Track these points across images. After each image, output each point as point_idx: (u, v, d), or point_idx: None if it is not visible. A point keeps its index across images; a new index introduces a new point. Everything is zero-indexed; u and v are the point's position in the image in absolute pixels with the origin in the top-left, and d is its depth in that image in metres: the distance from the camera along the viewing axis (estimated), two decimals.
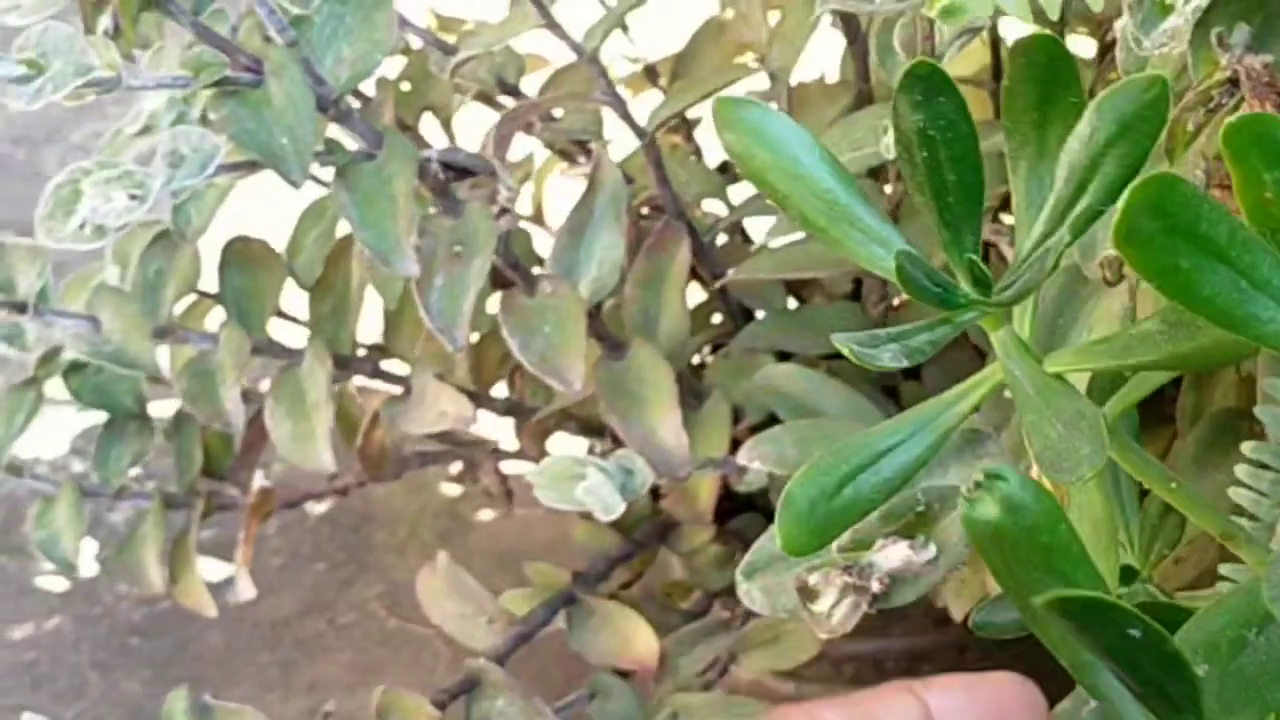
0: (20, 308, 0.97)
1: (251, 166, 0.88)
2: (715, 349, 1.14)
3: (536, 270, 0.97)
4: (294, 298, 1.08)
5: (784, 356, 1.04)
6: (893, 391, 1.05)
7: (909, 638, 1.15)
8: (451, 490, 1.57)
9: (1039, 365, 0.53)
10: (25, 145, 2.18)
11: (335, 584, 1.51)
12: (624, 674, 1.03)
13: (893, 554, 0.69)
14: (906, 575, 0.69)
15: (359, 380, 1.07)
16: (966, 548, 0.70)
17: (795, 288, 1.13)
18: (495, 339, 1.08)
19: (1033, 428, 0.51)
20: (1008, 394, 0.55)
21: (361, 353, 1.09)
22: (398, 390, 1.07)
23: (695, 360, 1.13)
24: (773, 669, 1.02)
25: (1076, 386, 0.53)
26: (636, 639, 1.02)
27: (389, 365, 1.09)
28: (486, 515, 1.53)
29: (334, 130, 0.91)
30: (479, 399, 1.04)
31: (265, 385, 1.06)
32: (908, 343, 0.55)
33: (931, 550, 0.69)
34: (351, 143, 0.90)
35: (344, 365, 1.04)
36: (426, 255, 0.91)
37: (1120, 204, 0.41)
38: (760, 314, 1.10)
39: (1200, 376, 0.91)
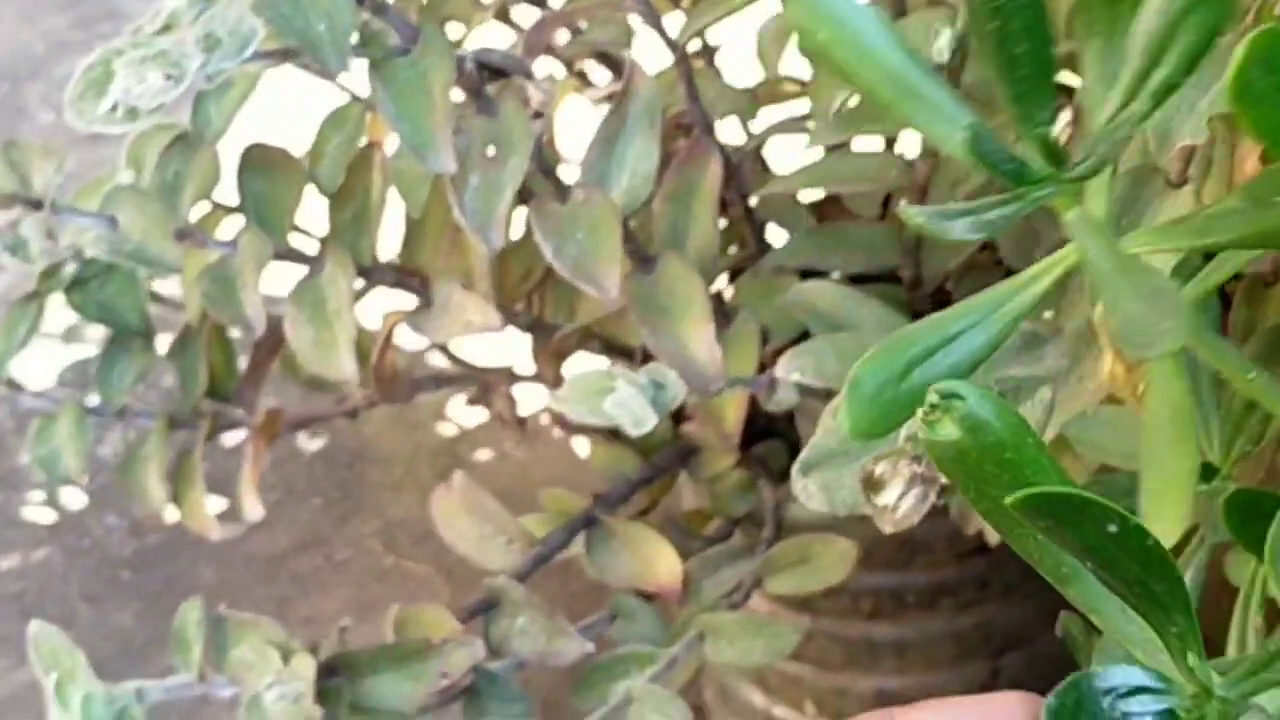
0: (36, 204, 0.94)
1: (285, 55, 0.85)
2: (733, 278, 1.12)
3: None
4: (312, 211, 1.05)
5: (811, 279, 1.02)
6: (920, 318, 1.03)
7: (930, 572, 1.13)
8: (448, 429, 1.55)
9: (1113, 242, 0.51)
10: (8, 81, 2.15)
11: (331, 520, 1.49)
12: (646, 597, 1.01)
13: None
14: None
15: (379, 292, 1.04)
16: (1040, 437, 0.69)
17: (820, 214, 1.11)
18: (517, 255, 1.06)
19: (1111, 305, 0.49)
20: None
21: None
22: (413, 305, 1.04)
23: (714, 289, 1.11)
24: (800, 591, 1.00)
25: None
26: (659, 561, 0.99)
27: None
28: (484, 455, 1.51)
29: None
30: (501, 316, 1.02)
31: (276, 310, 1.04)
32: (981, 216, 0.53)
33: None
34: (387, 36, 0.87)
35: (365, 275, 1.01)
36: (461, 154, 0.88)
37: (1233, 59, 0.40)
38: (784, 239, 1.08)
39: (1254, 291, 0.89)
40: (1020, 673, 1.19)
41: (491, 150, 0.89)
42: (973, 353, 0.53)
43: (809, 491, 0.72)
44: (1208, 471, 0.66)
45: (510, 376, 1.14)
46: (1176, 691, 0.39)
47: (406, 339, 1.25)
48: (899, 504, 0.66)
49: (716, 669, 1.30)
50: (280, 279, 1.01)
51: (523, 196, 0.96)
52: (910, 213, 0.49)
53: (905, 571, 1.13)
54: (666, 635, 0.98)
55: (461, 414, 1.55)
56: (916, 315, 1.03)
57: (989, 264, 1.06)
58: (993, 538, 0.97)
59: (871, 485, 0.66)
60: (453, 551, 1.07)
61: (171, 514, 1.16)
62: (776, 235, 1.10)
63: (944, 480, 0.65)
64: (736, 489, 1.06)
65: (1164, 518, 0.48)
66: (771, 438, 1.09)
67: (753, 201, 1.08)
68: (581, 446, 1.33)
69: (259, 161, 1.02)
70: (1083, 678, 0.39)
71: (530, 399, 1.24)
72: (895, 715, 0.42)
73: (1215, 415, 0.66)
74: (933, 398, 0.40)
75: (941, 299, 1.04)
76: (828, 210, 1.12)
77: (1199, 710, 0.39)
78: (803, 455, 0.72)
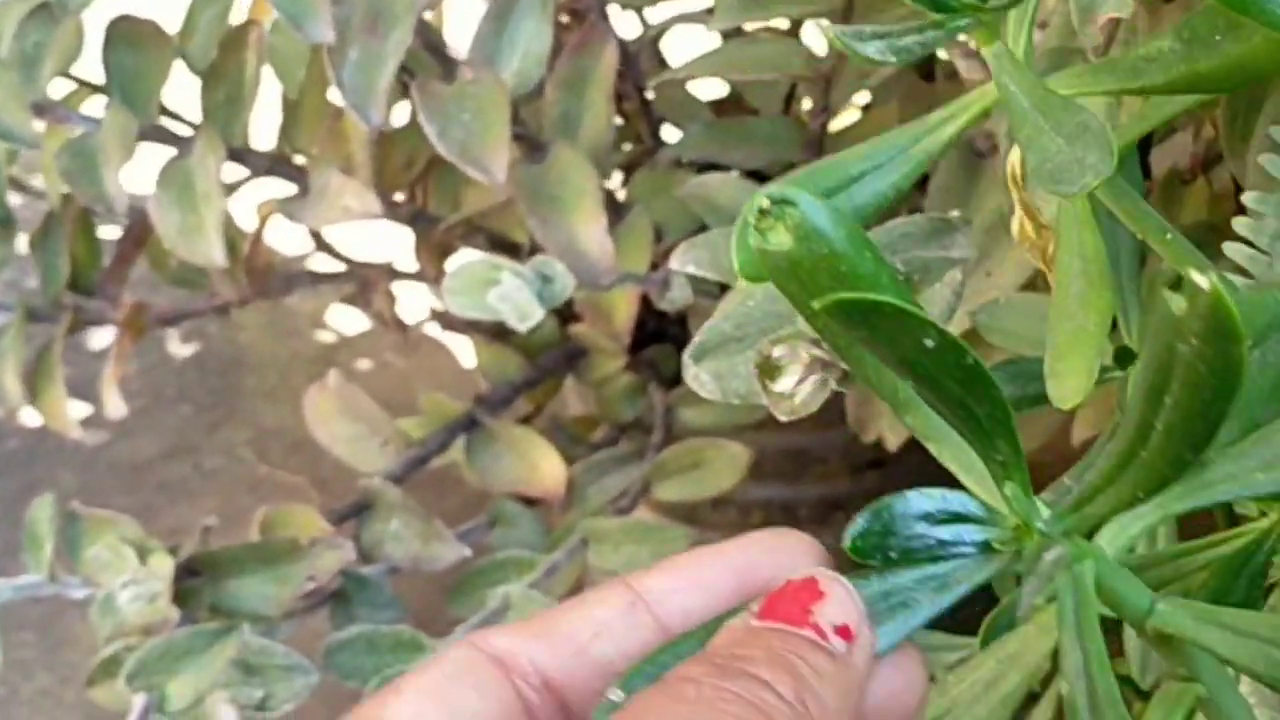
0: None
1: None
2: (629, 175, 1.08)
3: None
4: (183, 94, 0.99)
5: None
6: None
7: (823, 485, 1.10)
8: (326, 336, 1.49)
9: (1036, 78, 0.47)
10: None
11: (201, 428, 1.43)
12: (528, 503, 0.96)
13: None
14: None
15: (256, 186, 0.99)
16: (948, 323, 0.65)
17: (720, 111, 1.07)
18: (400, 140, 1.00)
19: (1030, 142, 0.45)
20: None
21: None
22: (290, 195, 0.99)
23: (608, 185, 1.07)
24: (690, 497, 0.96)
25: None
26: (542, 466, 0.95)
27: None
28: (364, 363, 1.46)
29: None
30: (381, 205, 0.96)
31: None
32: (896, 41, 0.49)
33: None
34: None
35: (238, 159, 0.95)
36: (340, 25, 0.83)
37: None
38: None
39: (1170, 189, 0.86)
40: None
41: (375, 21, 0.84)
42: (877, 195, 0.49)
43: (700, 380, 0.68)
44: (1127, 355, 0.63)
45: (390, 273, 1.09)
46: (997, 522, 0.36)
47: (286, 242, 1.20)
48: (796, 390, 0.62)
49: (599, 579, 1.26)
50: (149, 170, 0.95)
51: (408, 77, 0.91)
52: (826, 27, 0.45)
53: (797, 484, 1.09)
54: (548, 542, 0.94)
55: (341, 320, 1.50)
56: None
57: None
58: (894, 442, 0.94)
59: (767, 371, 0.62)
60: (328, 461, 1.02)
61: (31, 418, 1.10)
62: (674, 135, 1.05)
63: (845, 366, 0.61)
64: (625, 393, 1.02)
65: (1070, 373, 0.45)
66: (662, 341, 1.05)
67: (650, 95, 1.04)
68: (466, 355, 1.28)
69: (126, 35, 0.96)
70: (894, 500, 0.36)
71: (412, 301, 1.19)
72: (631, 581, 0.38)
73: (1135, 301, 0.62)
74: (763, 203, 0.37)
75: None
76: (728, 108, 1.07)
77: (1017, 544, 0.36)
78: (695, 341, 0.68)
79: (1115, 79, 0.47)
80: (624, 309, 0.95)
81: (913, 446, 1.09)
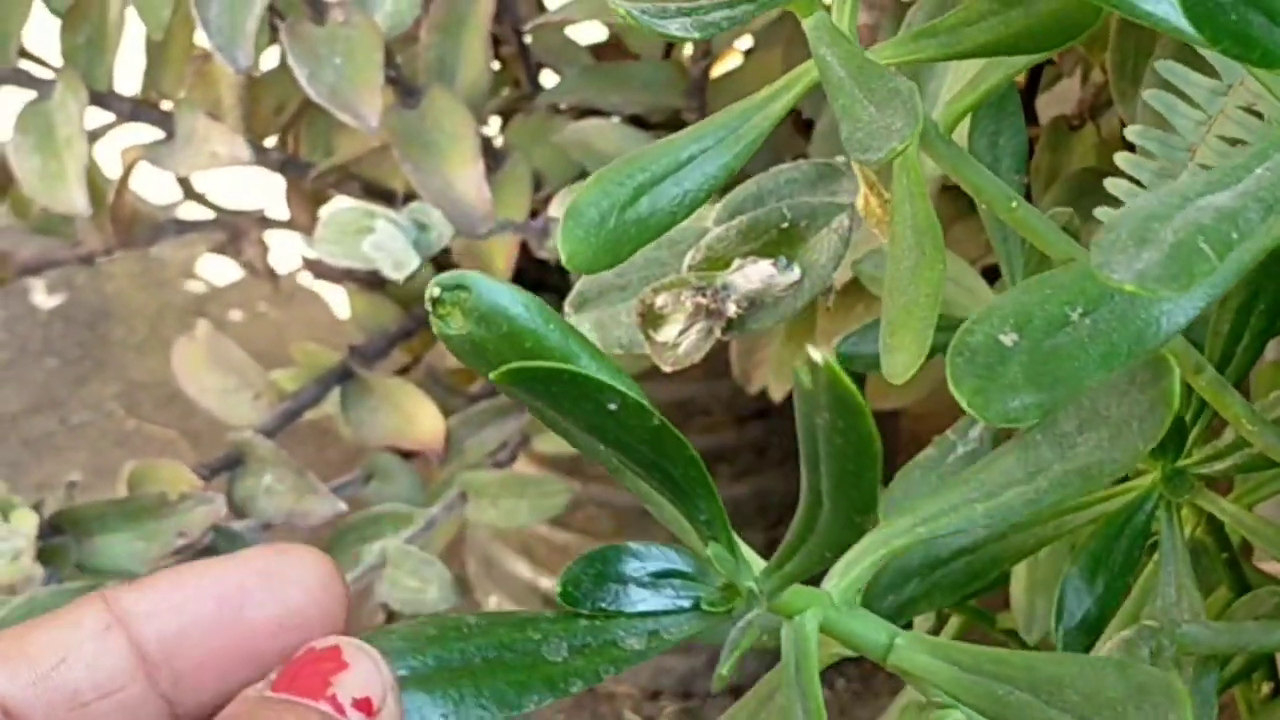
0: None
1: None
2: (505, 121, 1.05)
3: None
4: (44, 34, 0.95)
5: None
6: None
7: (707, 436, 1.08)
8: (198, 287, 1.46)
9: (854, 48, 0.46)
10: None
11: (68, 381, 1.39)
12: (405, 456, 0.94)
13: (752, 274, 0.61)
14: (766, 299, 0.61)
15: (114, 122, 0.95)
16: (835, 271, 0.64)
17: (599, 56, 1.05)
18: (270, 85, 0.97)
19: (845, 112, 0.44)
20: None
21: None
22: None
23: (486, 132, 1.04)
24: (567, 451, 0.94)
25: None
26: (419, 418, 0.93)
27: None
28: (237, 314, 1.43)
29: None
30: (251, 151, 0.93)
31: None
32: (704, 17, 0.47)
33: (796, 272, 0.62)
34: None
35: (101, 103, 0.92)
36: None
37: None
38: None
39: (1057, 136, 0.86)
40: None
41: None
42: (708, 178, 0.47)
43: (582, 329, 0.66)
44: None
45: (262, 222, 1.06)
46: (709, 581, 0.36)
47: (155, 191, 1.17)
48: (680, 340, 0.60)
49: (480, 539, 1.24)
50: (7, 115, 0.92)
51: (278, 19, 0.89)
52: (617, 3, 0.43)
53: (682, 434, 1.08)
54: (426, 496, 0.92)
55: (213, 270, 1.46)
56: None
57: (793, 122, 1.01)
58: (778, 393, 0.93)
59: (650, 320, 0.60)
60: (200, 415, 0.99)
61: None
62: (554, 80, 1.03)
63: (731, 314, 0.60)
64: None
65: (903, 348, 0.44)
66: (543, 290, 1.02)
67: (528, 39, 1.02)
68: (342, 306, 1.26)
69: None
70: (609, 551, 0.36)
71: (285, 251, 1.17)
72: (110, 599, 0.36)
73: (1021, 269, 0.62)
74: (434, 290, 0.37)
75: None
76: (608, 53, 1.06)
77: (726, 604, 0.36)
78: (575, 289, 0.66)
79: (937, 45, 0.46)
80: (503, 258, 0.93)
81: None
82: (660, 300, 0.60)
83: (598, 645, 0.35)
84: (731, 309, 0.59)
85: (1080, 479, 0.39)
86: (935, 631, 0.72)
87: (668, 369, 0.61)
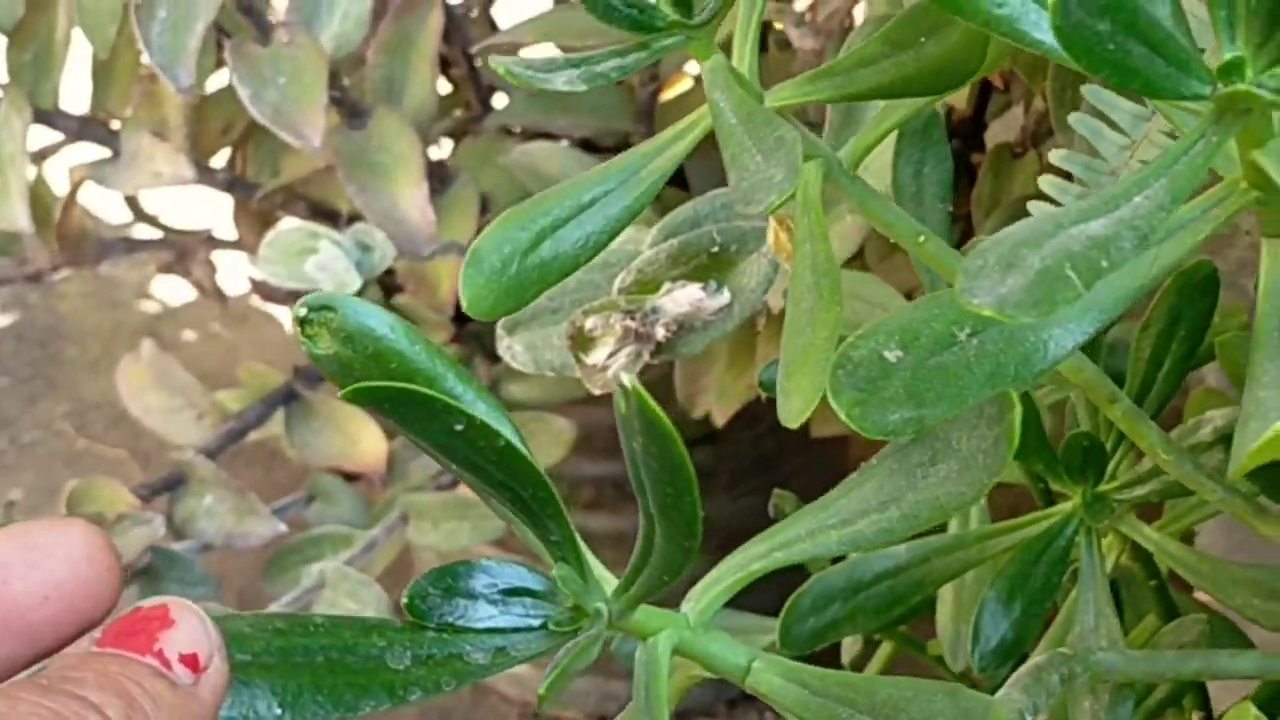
0: None
1: None
2: (457, 144, 1.05)
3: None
4: None
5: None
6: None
7: None
8: (151, 307, 1.45)
9: (746, 94, 0.46)
10: None
11: (19, 400, 1.39)
12: (349, 478, 0.94)
13: (681, 298, 0.61)
14: (695, 323, 0.61)
15: (63, 141, 0.95)
16: (764, 296, 0.64)
17: None
18: (217, 105, 0.97)
19: (733, 161, 0.45)
20: None
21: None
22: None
23: (436, 156, 1.04)
24: None
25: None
26: (363, 440, 0.93)
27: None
28: (190, 335, 1.42)
29: None
30: (197, 170, 0.93)
31: None
32: (593, 68, 0.48)
33: (725, 296, 0.62)
34: None
35: (47, 121, 0.92)
36: None
37: None
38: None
39: (1000, 163, 0.86)
40: None
41: None
42: (609, 221, 0.47)
43: (513, 351, 0.66)
44: None
45: (210, 242, 1.06)
46: (558, 601, 0.36)
47: (107, 211, 1.16)
48: (609, 363, 0.60)
49: (427, 562, 1.24)
50: None
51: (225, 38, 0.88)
52: (496, 63, 0.44)
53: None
54: (368, 517, 0.91)
55: (166, 291, 1.46)
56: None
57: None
58: (720, 417, 0.93)
59: (580, 342, 0.60)
60: (151, 435, 0.99)
61: None
62: (504, 101, 1.03)
63: (660, 337, 0.60)
64: None
65: (799, 391, 0.44)
66: None
67: (479, 63, 1.02)
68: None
69: None
70: (460, 566, 0.35)
71: (235, 272, 1.16)
72: None
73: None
74: (301, 311, 0.37)
75: (677, 181, 0.99)
76: None
77: (574, 624, 0.36)
78: None
79: (831, 87, 0.46)
80: (448, 280, 0.93)
81: (741, 424, 1.08)
82: (590, 323, 0.60)
83: (442, 657, 0.35)
84: (660, 332, 0.60)
85: (929, 510, 0.40)
86: (864, 658, 0.72)
87: (597, 391, 0.61)
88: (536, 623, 0.36)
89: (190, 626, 0.34)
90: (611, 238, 0.48)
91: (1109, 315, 0.37)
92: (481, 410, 0.34)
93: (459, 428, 0.33)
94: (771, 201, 0.40)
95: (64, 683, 0.32)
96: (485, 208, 0.95)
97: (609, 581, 0.37)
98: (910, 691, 0.36)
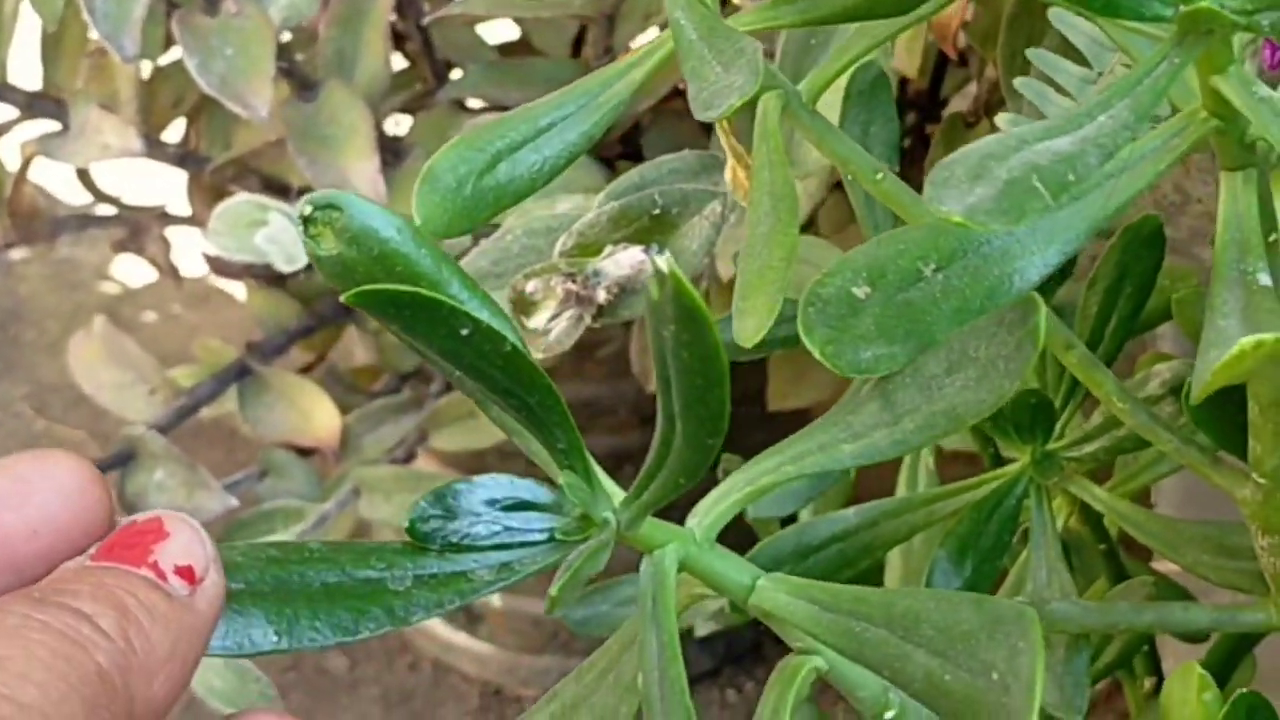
0: None
1: None
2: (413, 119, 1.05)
3: None
4: None
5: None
6: (610, 164, 0.97)
7: (613, 436, 1.08)
8: (111, 288, 1.45)
9: (707, 11, 0.46)
10: None
11: None
12: (303, 453, 0.93)
13: (623, 260, 0.60)
14: (637, 286, 0.61)
15: (18, 118, 0.94)
16: (706, 258, 0.64)
17: (506, 53, 1.04)
18: (168, 78, 0.97)
19: (694, 73, 0.44)
20: None
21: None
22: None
23: (393, 133, 1.04)
24: (467, 447, 0.93)
25: None
26: (316, 415, 0.92)
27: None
28: (150, 316, 1.41)
29: None
30: (148, 144, 0.93)
31: None
32: None
33: (667, 259, 0.61)
34: None
35: None
36: None
37: None
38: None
39: (953, 131, 0.86)
40: None
41: None
42: (568, 146, 0.47)
43: None
44: None
45: (163, 218, 1.05)
46: (565, 511, 0.35)
47: (62, 190, 1.15)
48: (551, 326, 0.60)
49: (379, 536, 1.23)
50: None
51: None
52: None
53: (586, 436, 1.07)
54: (321, 492, 0.91)
55: (126, 272, 1.45)
56: (604, 160, 0.98)
57: (682, 111, 1.01)
58: None
59: (522, 306, 0.60)
60: (110, 417, 0.98)
61: None
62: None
63: (601, 300, 0.59)
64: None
65: (754, 311, 0.43)
66: None
67: (433, 37, 1.01)
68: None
69: None
70: (460, 484, 0.35)
71: (191, 250, 1.16)
72: None
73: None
74: (306, 209, 0.36)
75: (631, 143, 0.99)
76: (516, 51, 1.05)
77: (582, 534, 0.35)
78: None
79: (795, 11, 0.46)
80: None
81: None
82: (531, 286, 0.60)
83: (445, 576, 0.35)
84: (602, 295, 0.59)
85: (946, 420, 0.39)
86: None
87: (539, 355, 0.60)
88: (542, 536, 0.35)
89: (185, 538, 0.33)
90: (568, 162, 0.48)
91: (1072, 246, 0.37)
92: (486, 316, 0.33)
93: (465, 332, 0.32)
94: (732, 104, 0.40)
95: (57, 595, 0.32)
96: None
97: (615, 494, 0.36)
98: (931, 602, 0.35)
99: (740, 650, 1.22)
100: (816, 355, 0.38)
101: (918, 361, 0.40)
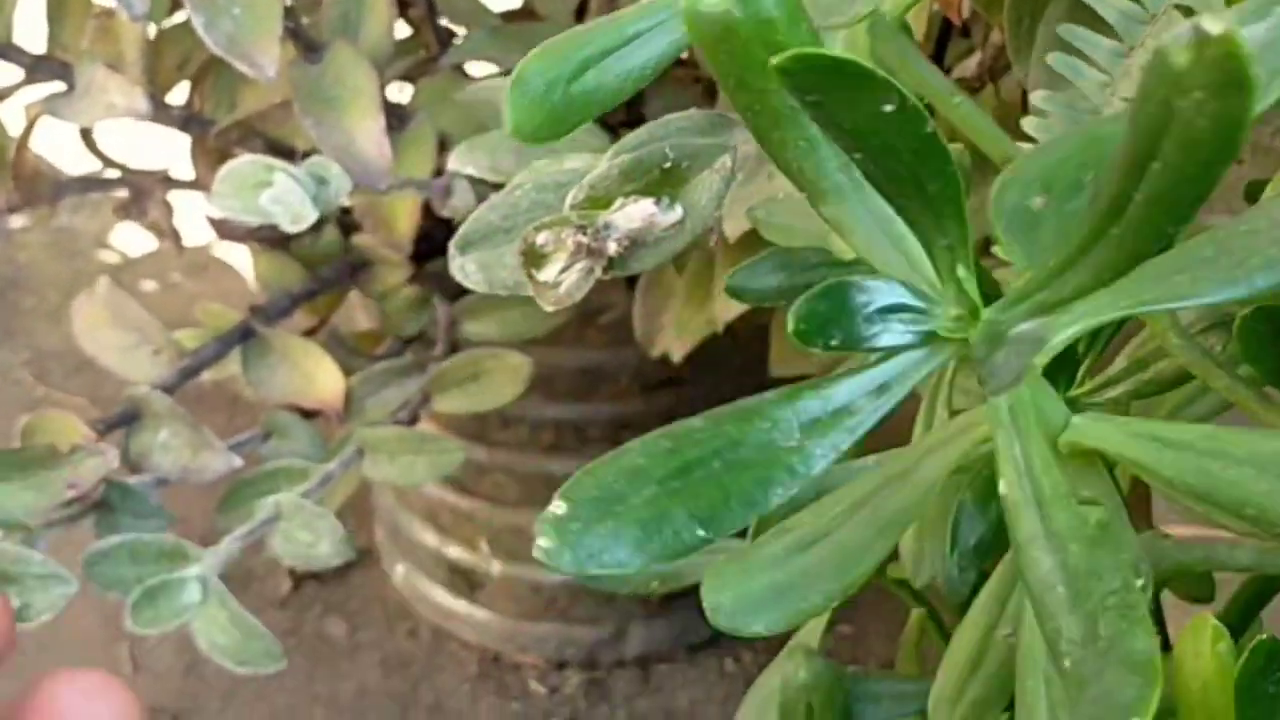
0: None
1: None
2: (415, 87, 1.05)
3: None
4: None
5: None
6: (614, 131, 0.97)
7: (614, 404, 1.08)
8: (111, 257, 1.45)
9: None
10: None
11: None
12: (306, 415, 0.94)
13: (634, 213, 0.61)
14: (647, 239, 0.61)
15: (21, 81, 0.94)
16: (716, 212, 0.64)
17: (509, 21, 1.05)
18: (174, 39, 0.97)
19: None
20: None
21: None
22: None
23: (395, 98, 1.04)
24: (471, 409, 0.94)
25: None
26: (320, 376, 0.93)
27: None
28: (150, 285, 1.41)
29: None
30: (153, 106, 0.92)
31: None
32: None
33: (678, 212, 0.61)
34: None
35: (1, 56, 0.91)
36: None
37: None
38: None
39: None
40: None
41: None
42: (655, 57, 0.48)
43: (466, 271, 0.66)
44: None
45: (166, 181, 1.05)
46: (939, 311, 0.34)
47: (65, 158, 1.15)
48: (561, 279, 0.60)
49: (387, 507, 1.24)
50: None
51: None
52: None
53: (587, 402, 1.08)
54: (324, 454, 0.91)
55: (126, 241, 1.45)
56: (606, 126, 0.98)
57: (685, 79, 1.01)
58: (678, 353, 0.93)
59: (532, 258, 0.60)
60: (110, 383, 0.98)
61: None
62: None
63: (612, 252, 0.60)
64: (408, 306, 1.00)
65: None
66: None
67: (439, 5, 1.01)
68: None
69: None
70: (840, 284, 0.33)
71: (195, 217, 1.16)
72: None
73: None
74: None
75: (634, 110, 0.99)
76: (519, 18, 1.05)
77: (963, 331, 0.34)
78: (462, 230, 0.66)
79: None
80: (405, 217, 0.92)
81: (704, 368, 1.08)
82: (541, 238, 0.60)
83: (828, 416, 0.34)
84: (612, 247, 0.59)
85: None
86: None
87: (549, 308, 0.61)
88: (919, 338, 0.34)
89: None
90: (654, 72, 0.49)
91: None
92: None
93: (889, 109, 0.30)
94: (858, 11, 0.40)
95: None
96: (444, 146, 0.94)
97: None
98: None
99: None
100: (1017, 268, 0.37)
101: (1261, 203, 0.37)
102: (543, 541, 0.33)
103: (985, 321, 0.34)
